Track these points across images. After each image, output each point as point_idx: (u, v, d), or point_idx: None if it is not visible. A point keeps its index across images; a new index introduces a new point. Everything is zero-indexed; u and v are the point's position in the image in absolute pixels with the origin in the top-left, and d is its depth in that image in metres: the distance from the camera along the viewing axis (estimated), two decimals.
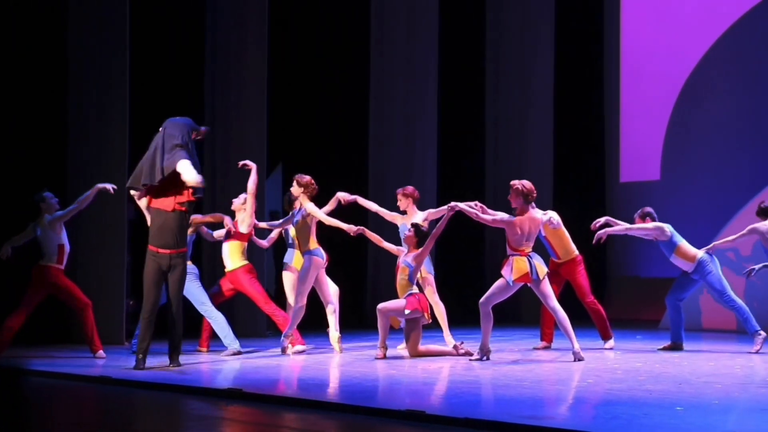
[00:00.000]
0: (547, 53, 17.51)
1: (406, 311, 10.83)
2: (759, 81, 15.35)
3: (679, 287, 11.79)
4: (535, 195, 10.49)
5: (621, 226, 11.76)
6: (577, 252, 11.74)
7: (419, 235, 11.04)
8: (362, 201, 12.08)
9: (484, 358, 10.51)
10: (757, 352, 11.17)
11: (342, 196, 11.69)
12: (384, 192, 15.47)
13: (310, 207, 11.13)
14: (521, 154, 17.33)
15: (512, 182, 10.57)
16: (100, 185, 11.15)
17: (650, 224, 11.63)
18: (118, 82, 12.84)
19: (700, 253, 11.50)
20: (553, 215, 11.47)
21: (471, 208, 10.59)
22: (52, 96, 12.96)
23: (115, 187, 11.26)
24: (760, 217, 11.59)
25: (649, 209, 11.82)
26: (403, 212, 11.88)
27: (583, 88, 17.96)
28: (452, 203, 10.65)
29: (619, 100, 17.31)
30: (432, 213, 11.78)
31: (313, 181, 11.30)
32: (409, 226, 11.28)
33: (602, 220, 11.83)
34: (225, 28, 14.16)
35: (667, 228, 11.60)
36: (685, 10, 16.52)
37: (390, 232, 12.31)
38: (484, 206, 10.93)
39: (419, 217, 11.66)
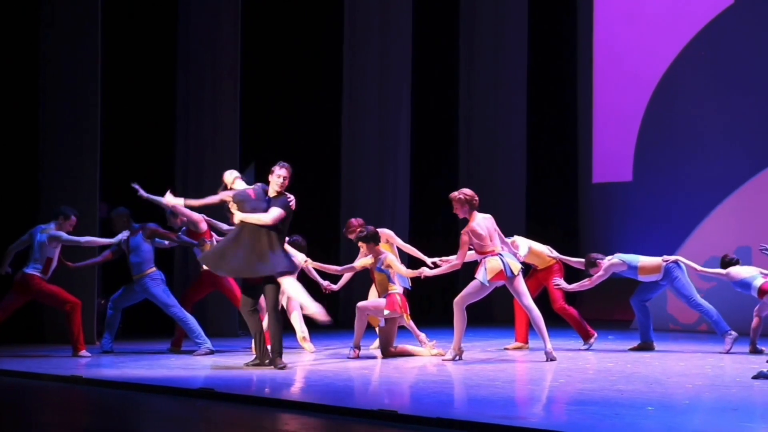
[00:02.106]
0: (520, 54, 17.54)
1: (386, 312, 10.83)
2: (731, 82, 15.42)
3: (644, 289, 11.85)
4: (477, 200, 10.52)
5: (576, 284, 11.75)
6: (554, 260, 11.83)
7: (367, 239, 11.01)
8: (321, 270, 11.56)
9: (457, 357, 10.52)
10: (728, 352, 11.24)
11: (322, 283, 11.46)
12: (356, 193, 15.50)
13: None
14: (494, 154, 17.35)
15: (451, 195, 10.58)
16: (114, 248, 11.34)
17: (602, 272, 11.61)
18: (90, 79, 12.77)
19: (663, 262, 11.56)
20: (520, 246, 11.41)
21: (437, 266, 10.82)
22: (22, 96, 12.88)
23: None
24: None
25: (594, 256, 11.80)
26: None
27: (556, 89, 18.00)
28: (423, 271, 10.68)
29: (591, 101, 17.35)
30: (401, 245, 11.79)
31: None
32: (377, 267, 11.10)
33: (562, 285, 11.73)
34: (198, 27, 14.12)
35: (618, 260, 11.61)
36: (659, 11, 16.57)
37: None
38: (446, 260, 10.98)
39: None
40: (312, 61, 15.86)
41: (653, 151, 16.34)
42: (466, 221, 10.51)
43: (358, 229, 11.31)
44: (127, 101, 13.93)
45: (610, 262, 11.61)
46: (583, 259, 11.97)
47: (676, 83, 16.11)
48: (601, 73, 17.23)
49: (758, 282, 11.13)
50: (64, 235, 11.10)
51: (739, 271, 11.33)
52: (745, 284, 11.23)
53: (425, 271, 10.76)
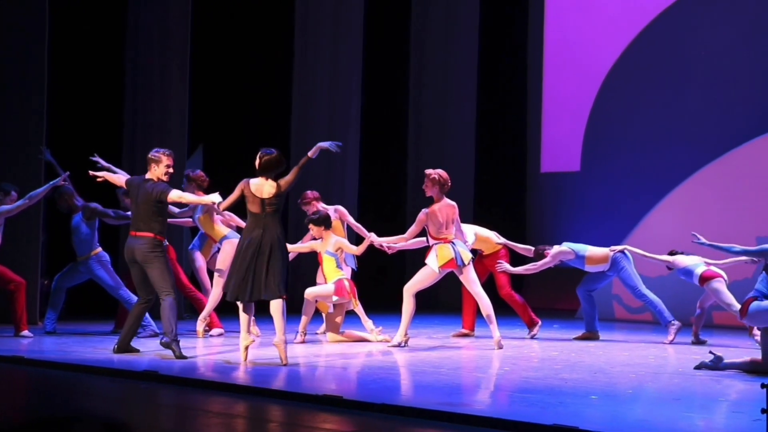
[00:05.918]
0: (471, 43, 17.56)
1: (335, 298, 10.81)
2: (679, 74, 15.54)
3: (591, 279, 11.94)
4: (449, 185, 10.52)
5: (522, 267, 11.77)
6: (500, 245, 11.86)
7: (318, 223, 10.97)
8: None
9: (403, 344, 10.52)
10: (671, 342, 11.34)
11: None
12: (304, 181, 15.37)
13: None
14: (443, 143, 17.37)
15: (427, 171, 10.59)
16: (56, 181, 10.96)
17: (549, 258, 11.68)
18: (37, 63, 12.58)
19: (611, 252, 11.64)
20: (466, 233, 11.38)
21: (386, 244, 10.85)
22: None
23: (66, 176, 11.05)
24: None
25: (542, 247, 11.88)
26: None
27: (505, 78, 18.03)
28: (371, 237, 10.75)
29: (541, 91, 17.42)
30: (352, 222, 11.77)
31: (203, 175, 11.17)
32: (326, 250, 11.08)
33: (505, 266, 11.73)
34: (147, 9, 13.98)
35: (566, 248, 11.67)
36: (609, 3, 16.67)
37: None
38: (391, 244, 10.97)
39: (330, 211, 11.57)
40: (262, 44, 15.76)
41: (601, 142, 16.45)
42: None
43: (311, 211, 11.29)
44: (74, 83, 13.76)
45: (559, 249, 11.66)
46: (529, 246, 12.03)
47: (625, 75, 16.22)
48: (551, 63, 17.29)
49: (700, 270, 11.24)
50: (5, 208, 10.98)
51: (683, 260, 11.46)
52: (687, 272, 11.34)
53: (374, 238, 10.73)
